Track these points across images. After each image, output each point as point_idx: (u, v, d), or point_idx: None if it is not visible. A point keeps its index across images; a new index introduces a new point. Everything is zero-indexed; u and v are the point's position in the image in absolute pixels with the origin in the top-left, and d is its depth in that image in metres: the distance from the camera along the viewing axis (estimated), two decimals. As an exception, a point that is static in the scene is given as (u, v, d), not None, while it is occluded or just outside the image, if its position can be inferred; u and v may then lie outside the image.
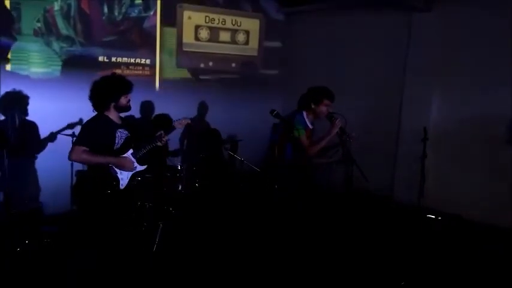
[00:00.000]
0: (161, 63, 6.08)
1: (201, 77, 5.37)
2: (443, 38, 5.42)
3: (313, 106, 4.04)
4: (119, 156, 3.41)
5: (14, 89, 4.76)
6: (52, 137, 4.93)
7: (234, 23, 6.66)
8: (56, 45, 5.30)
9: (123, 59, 5.76)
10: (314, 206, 4.19)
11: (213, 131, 5.86)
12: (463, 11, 5.23)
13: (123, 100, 3.39)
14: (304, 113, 4.11)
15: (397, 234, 4.52)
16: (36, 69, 5.18)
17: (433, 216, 4.78)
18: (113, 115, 3.40)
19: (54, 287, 3.54)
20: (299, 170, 4.04)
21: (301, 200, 4.04)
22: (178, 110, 4.72)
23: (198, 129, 5.84)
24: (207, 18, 6.45)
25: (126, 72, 5.74)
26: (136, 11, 5.82)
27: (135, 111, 5.51)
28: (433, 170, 5.29)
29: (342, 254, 4.03)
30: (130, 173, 3.49)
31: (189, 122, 3.73)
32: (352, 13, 6.13)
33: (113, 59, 5.68)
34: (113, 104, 3.37)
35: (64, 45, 5.35)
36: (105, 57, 5.62)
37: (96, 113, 3.40)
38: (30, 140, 4.83)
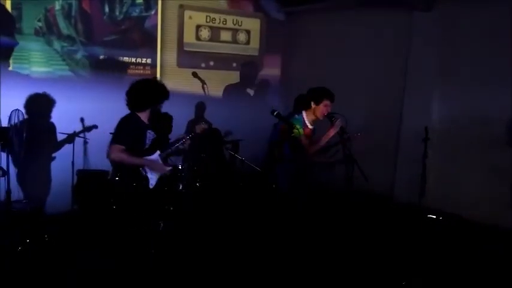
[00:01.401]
0: (162, 63, 6.09)
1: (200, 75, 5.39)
2: (444, 38, 5.42)
3: (313, 106, 4.05)
4: (152, 160, 3.50)
5: (39, 92, 4.86)
6: (70, 138, 4.98)
7: (235, 22, 6.66)
8: (57, 45, 5.31)
9: (124, 58, 5.78)
10: (314, 205, 4.20)
11: (214, 130, 5.87)
12: (464, 10, 5.22)
13: (155, 109, 3.51)
14: (304, 113, 4.12)
15: (398, 234, 4.52)
16: (37, 69, 5.19)
17: (434, 216, 4.77)
18: (143, 116, 3.48)
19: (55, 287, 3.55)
20: (299, 169, 4.05)
21: (300, 199, 4.05)
22: (179, 109, 4.74)
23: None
24: (208, 17, 6.46)
25: (127, 71, 5.77)
26: (137, 10, 5.83)
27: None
28: (433, 170, 5.28)
29: (342, 253, 4.03)
30: (158, 174, 3.56)
31: (206, 127, 3.85)
32: (352, 13, 6.13)
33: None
34: (150, 109, 3.47)
35: (65, 44, 5.36)
36: (106, 57, 5.63)
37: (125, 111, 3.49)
38: (48, 141, 4.93)
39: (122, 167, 3.43)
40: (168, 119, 4.49)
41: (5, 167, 3.97)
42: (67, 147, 5.03)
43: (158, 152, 3.57)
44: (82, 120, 5.19)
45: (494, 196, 4.89)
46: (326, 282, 3.64)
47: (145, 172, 3.47)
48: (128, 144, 3.35)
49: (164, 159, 3.67)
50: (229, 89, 6.70)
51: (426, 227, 4.71)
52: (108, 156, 3.35)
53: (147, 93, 3.44)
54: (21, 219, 4.20)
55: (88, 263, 3.78)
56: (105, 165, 5.14)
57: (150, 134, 3.52)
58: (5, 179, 4.00)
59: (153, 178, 3.52)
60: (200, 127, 3.79)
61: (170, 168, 3.70)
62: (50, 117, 4.98)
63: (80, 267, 3.72)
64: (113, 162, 3.43)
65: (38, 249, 3.95)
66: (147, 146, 3.49)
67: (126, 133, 3.38)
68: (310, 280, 3.63)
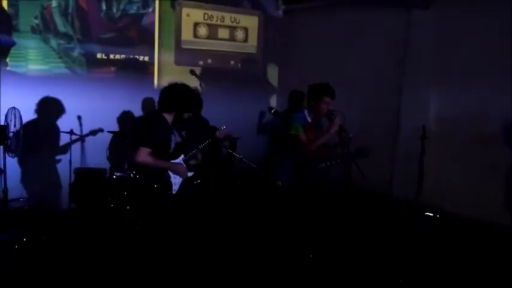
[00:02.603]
0: (159, 60, 6.07)
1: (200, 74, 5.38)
2: (442, 36, 5.42)
3: (312, 103, 4.01)
4: (177, 163, 3.50)
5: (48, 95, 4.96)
6: (76, 140, 5.06)
7: (232, 20, 6.64)
8: (53, 42, 5.28)
9: (122, 56, 5.75)
10: (313, 202, 4.20)
11: (211, 128, 5.85)
12: (462, 8, 5.22)
13: (185, 114, 3.54)
14: (306, 111, 4.09)
15: (395, 232, 4.53)
16: (33, 67, 5.16)
17: (431, 214, 4.78)
18: (169, 118, 3.47)
19: (52, 285, 3.54)
20: (298, 167, 4.04)
21: (300, 197, 4.05)
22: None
23: (196, 127, 5.82)
24: (206, 15, 6.43)
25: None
26: (134, 7, 5.80)
27: (136, 109, 5.52)
28: (431, 168, 5.29)
29: (340, 251, 4.03)
30: (181, 179, 3.56)
31: (228, 134, 3.90)
32: (350, 10, 6.11)
33: (111, 56, 5.66)
34: (175, 112, 3.46)
35: (62, 42, 5.33)
36: (103, 54, 5.60)
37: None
38: (47, 139, 4.98)
39: (146, 170, 3.39)
40: (209, 128, 4.38)
41: (1, 166, 3.96)
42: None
43: (182, 157, 3.57)
44: (79, 118, 5.18)
45: (490, 195, 4.91)
46: (324, 279, 3.64)
47: (169, 177, 3.46)
48: (155, 146, 3.33)
49: (185, 162, 3.65)
50: (227, 87, 6.68)
51: (423, 224, 4.73)
52: (134, 159, 3.32)
53: (181, 98, 3.43)
54: (18, 218, 4.18)
55: (86, 261, 3.77)
56: (103, 163, 5.19)
57: (175, 137, 3.52)
58: (1, 177, 3.99)
59: (176, 184, 3.51)
60: (222, 133, 3.77)
61: (192, 173, 3.68)
62: (51, 116, 5.00)
63: (77, 265, 3.71)
64: (139, 165, 3.38)
65: (35, 248, 3.93)
66: (172, 150, 3.48)
67: (153, 135, 3.35)
68: (309, 277, 3.63)
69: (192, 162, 3.67)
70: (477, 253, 4.14)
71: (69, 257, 3.84)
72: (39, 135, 4.85)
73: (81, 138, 5.14)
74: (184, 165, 3.57)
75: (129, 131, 5.03)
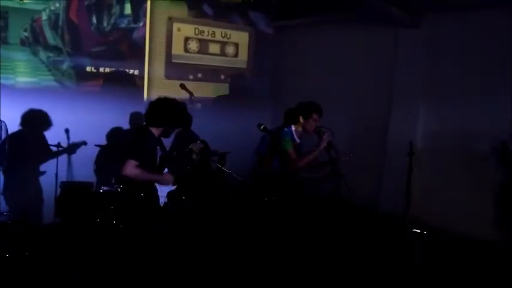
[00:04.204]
0: (150, 74, 6.07)
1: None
2: (430, 54, 5.51)
3: (301, 120, 4.10)
4: (163, 173, 3.51)
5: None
6: (60, 153, 4.97)
7: (223, 35, 6.69)
8: (43, 55, 5.25)
9: (111, 69, 5.74)
10: (302, 217, 4.20)
11: (207, 149, 5.82)
12: (450, 27, 5.33)
13: (171, 130, 3.55)
14: (293, 127, 4.15)
15: (382, 248, 4.53)
16: (22, 79, 5.12)
17: (419, 231, 4.80)
18: (156, 132, 3.48)
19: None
20: (287, 182, 4.06)
21: (289, 212, 4.05)
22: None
23: (185, 141, 5.80)
24: (197, 30, 6.47)
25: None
26: (125, 21, 5.82)
27: (125, 123, 5.49)
28: (419, 184, 5.32)
29: (327, 265, 4.01)
30: (167, 191, 3.55)
31: (202, 146, 3.82)
32: (340, 28, 6.20)
33: (101, 69, 5.65)
34: (163, 128, 3.48)
35: (51, 54, 5.30)
36: (92, 68, 5.59)
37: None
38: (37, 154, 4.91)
39: (132, 183, 3.38)
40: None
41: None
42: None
43: (166, 170, 3.58)
44: (67, 131, 5.13)
45: (478, 211, 4.94)
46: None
47: (157, 191, 3.46)
48: (142, 159, 3.32)
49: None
50: (217, 101, 6.70)
51: (411, 241, 4.73)
52: (121, 172, 3.30)
53: (167, 113, 3.43)
54: (1, 232, 4.10)
55: (70, 276, 3.69)
56: (89, 176, 5.13)
57: (159, 151, 3.52)
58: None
59: (162, 197, 3.50)
60: (197, 146, 3.75)
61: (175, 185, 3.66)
62: (38, 129, 4.94)
63: (62, 280, 3.64)
64: (126, 178, 3.36)
65: (18, 263, 3.84)
66: (157, 163, 3.48)
67: (140, 148, 3.35)
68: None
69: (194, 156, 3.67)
70: (464, 269, 4.15)
71: (54, 271, 3.76)
72: (25, 148, 4.78)
73: (65, 151, 5.04)
74: (168, 173, 3.58)
75: (117, 144, 4.99)
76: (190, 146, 3.71)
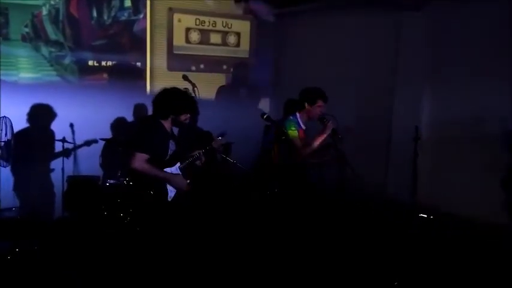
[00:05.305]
0: (152, 66, 6.05)
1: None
2: (434, 37, 5.44)
3: (307, 107, 4.06)
4: (175, 174, 3.43)
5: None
6: (71, 150, 5.04)
7: (224, 25, 6.64)
8: (44, 50, 5.25)
9: (113, 62, 5.73)
10: (308, 205, 4.20)
11: (205, 133, 5.82)
12: (453, 10, 5.24)
13: (182, 117, 3.43)
14: (298, 114, 4.12)
15: (390, 233, 4.53)
16: (25, 75, 5.13)
17: (425, 215, 4.79)
18: (167, 125, 3.42)
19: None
20: (293, 170, 4.05)
21: (295, 200, 4.05)
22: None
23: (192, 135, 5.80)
24: (198, 20, 6.43)
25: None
26: (125, 14, 5.79)
27: (129, 115, 5.50)
28: (425, 169, 5.30)
29: (336, 253, 4.02)
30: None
31: (224, 143, 3.78)
32: (342, 13, 6.13)
33: (103, 63, 5.64)
34: (172, 117, 3.40)
35: (53, 50, 5.30)
36: (95, 62, 5.58)
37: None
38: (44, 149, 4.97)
39: (141, 176, 3.33)
40: (209, 137, 4.33)
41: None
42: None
43: (178, 164, 3.49)
44: (72, 125, 5.15)
45: (486, 195, 4.91)
46: (320, 281, 3.63)
47: (165, 184, 3.40)
48: (152, 153, 3.27)
49: (182, 170, 3.57)
50: (220, 91, 6.67)
51: (418, 225, 4.73)
52: (130, 165, 3.26)
53: (170, 101, 3.37)
54: (10, 228, 4.14)
55: (78, 270, 3.73)
56: (96, 170, 5.16)
57: (171, 145, 3.46)
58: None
59: (172, 190, 3.44)
60: (218, 143, 3.70)
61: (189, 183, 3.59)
62: (44, 124, 4.99)
63: (70, 274, 3.68)
64: (134, 171, 3.31)
65: (27, 258, 3.89)
66: (168, 157, 3.42)
67: (150, 141, 3.30)
68: (304, 279, 3.62)
69: (198, 162, 3.60)
70: (474, 253, 4.14)
71: (63, 266, 3.80)
72: (31, 144, 4.81)
73: (75, 148, 5.09)
74: (181, 174, 3.49)
75: (122, 137, 5.00)
76: (207, 147, 3.62)
